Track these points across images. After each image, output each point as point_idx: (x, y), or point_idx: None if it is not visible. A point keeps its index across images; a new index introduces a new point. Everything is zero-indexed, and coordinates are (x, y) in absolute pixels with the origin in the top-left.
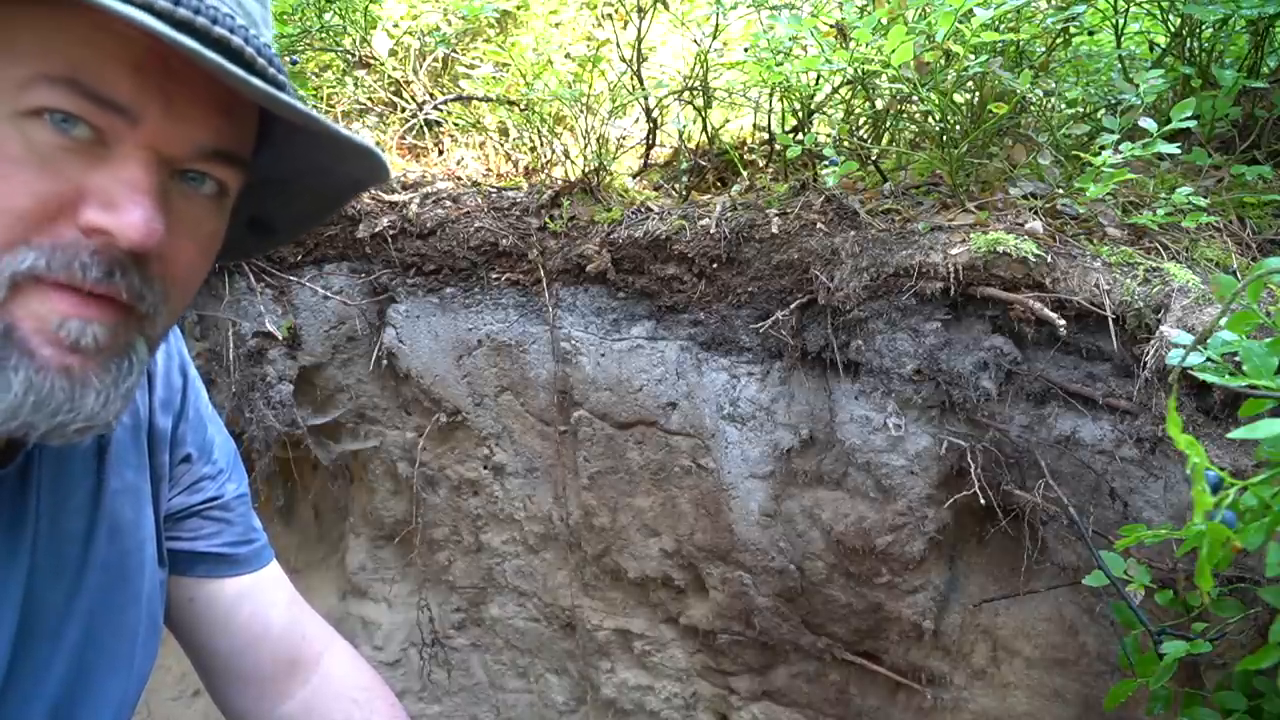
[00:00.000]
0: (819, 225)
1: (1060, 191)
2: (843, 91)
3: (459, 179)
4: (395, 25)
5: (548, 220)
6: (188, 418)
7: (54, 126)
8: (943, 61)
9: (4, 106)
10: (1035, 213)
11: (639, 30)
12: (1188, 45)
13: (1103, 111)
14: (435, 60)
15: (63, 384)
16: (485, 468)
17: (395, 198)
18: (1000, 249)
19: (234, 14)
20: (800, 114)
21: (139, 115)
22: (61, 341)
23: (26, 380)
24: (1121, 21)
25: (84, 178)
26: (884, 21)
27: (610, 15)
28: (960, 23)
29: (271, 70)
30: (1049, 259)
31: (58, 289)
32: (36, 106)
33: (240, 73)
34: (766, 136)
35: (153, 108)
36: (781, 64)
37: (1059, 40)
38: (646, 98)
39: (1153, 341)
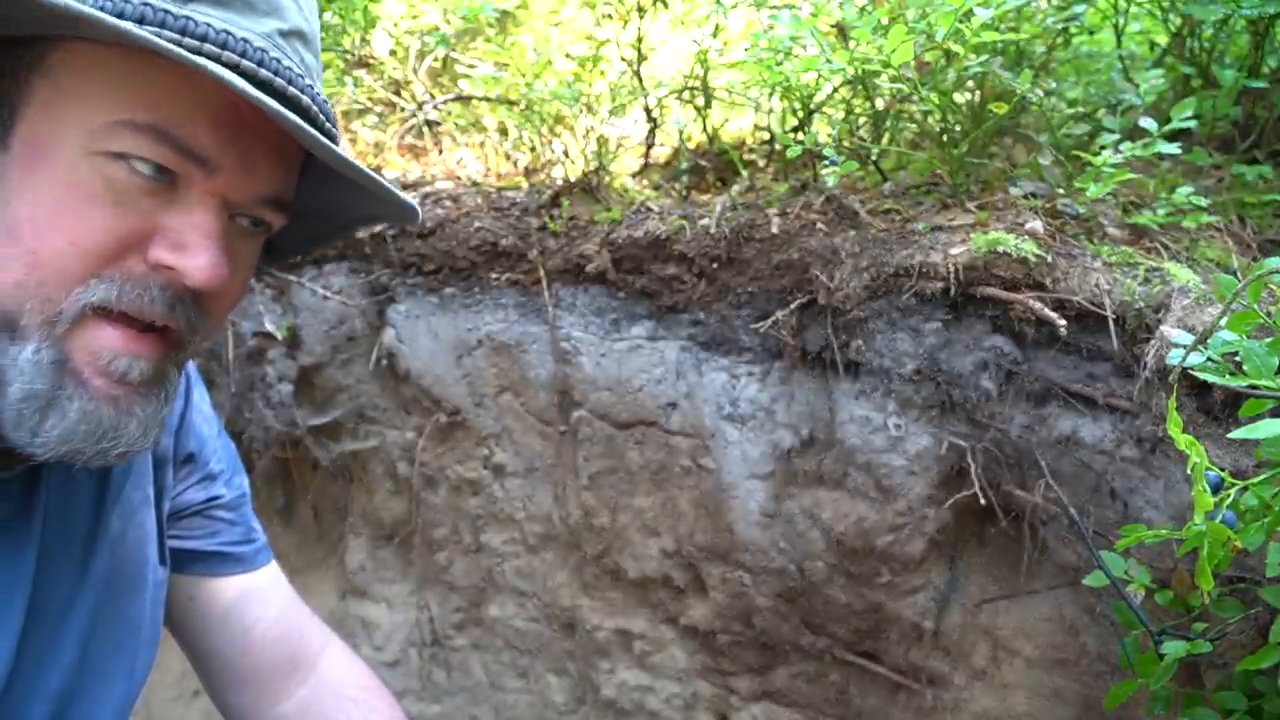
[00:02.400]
0: (819, 225)
1: (1060, 191)
2: (843, 91)
3: (459, 179)
4: (395, 25)
5: (548, 220)
6: (191, 418)
7: (132, 169)
8: (943, 61)
9: (82, 145)
10: (1035, 213)
11: (639, 30)
12: (1188, 45)
13: (1103, 111)
14: (435, 60)
15: (110, 413)
16: (485, 468)
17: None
18: (1000, 249)
19: (304, 74)
20: (800, 114)
21: (216, 165)
22: (111, 374)
23: (81, 410)
24: (1122, 21)
25: (156, 217)
26: (884, 21)
27: (610, 15)
28: (960, 23)
29: (329, 125)
30: (1049, 259)
31: (112, 323)
32: (120, 151)
33: (314, 132)
34: (766, 136)
35: (228, 159)
36: (781, 64)
37: (1059, 40)
38: (646, 97)
39: (1153, 341)
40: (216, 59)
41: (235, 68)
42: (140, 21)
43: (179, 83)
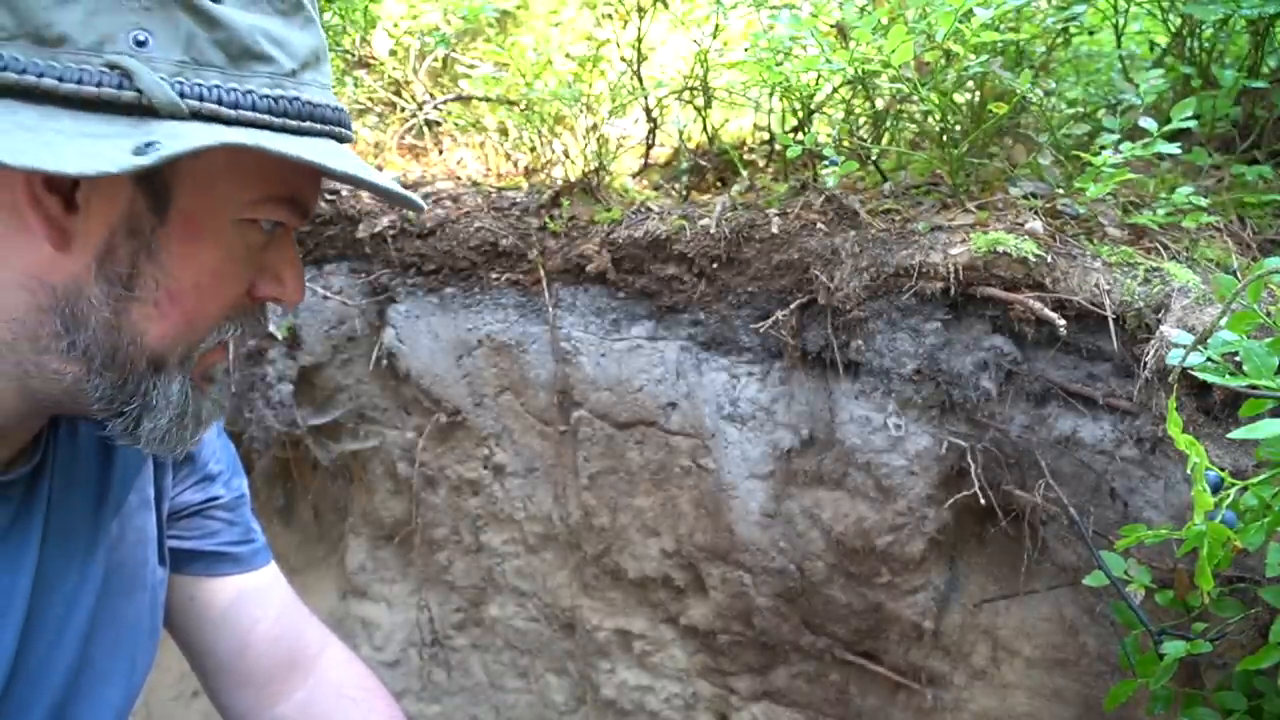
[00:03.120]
0: (819, 225)
1: (1060, 191)
2: (843, 91)
3: (459, 179)
4: (395, 25)
5: (548, 220)
6: None
7: (264, 230)
8: (943, 61)
9: (233, 214)
10: (1035, 213)
11: (639, 30)
12: (1188, 45)
13: (1103, 111)
14: (435, 60)
15: (201, 403)
16: (485, 468)
17: None
18: (1000, 249)
19: (340, 108)
20: (800, 114)
21: (306, 211)
22: (211, 379)
23: (207, 412)
24: (1121, 21)
25: (260, 258)
26: (884, 21)
27: (610, 15)
28: (960, 23)
29: (349, 135)
30: (1049, 259)
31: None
32: (265, 219)
33: (397, 189)
34: (766, 136)
35: (312, 205)
36: (781, 64)
37: (1059, 40)
38: (646, 97)
39: (1153, 341)
40: (321, 134)
41: (330, 135)
42: (270, 113)
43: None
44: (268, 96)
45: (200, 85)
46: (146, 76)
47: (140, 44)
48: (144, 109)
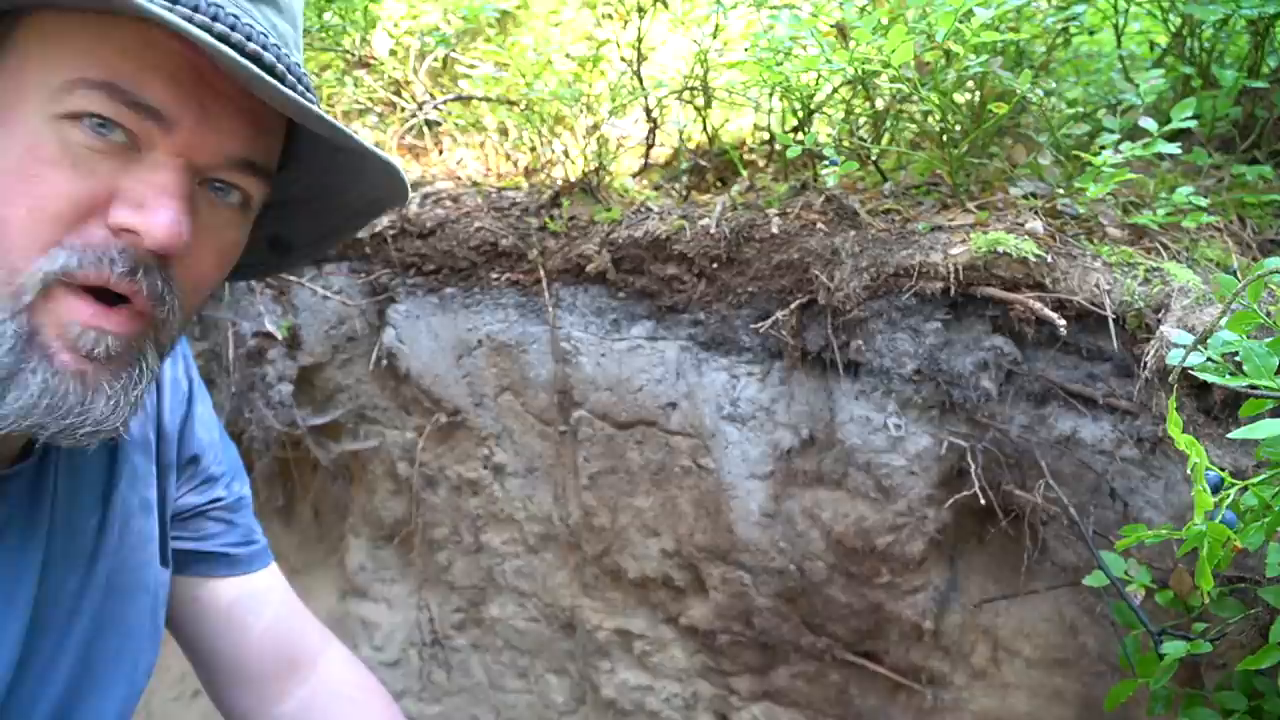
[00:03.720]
0: (819, 225)
1: (1060, 191)
2: (843, 91)
3: (459, 179)
4: (395, 25)
5: (548, 220)
6: (194, 420)
7: (90, 130)
8: (943, 61)
9: (42, 110)
10: (1035, 213)
11: (639, 30)
12: (1188, 45)
13: (1103, 111)
14: (435, 60)
15: (76, 388)
16: (485, 468)
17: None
18: (1000, 249)
19: (268, 33)
20: (800, 114)
21: (173, 122)
22: (78, 349)
23: (43, 382)
24: (1121, 21)
25: (115, 180)
26: (884, 21)
27: (610, 15)
28: (960, 23)
29: (300, 87)
30: (1049, 259)
31: (81, 295)
32: (74, 110)
33: (272, 81)
34: (766, 136)
35: (187, 115)
36: (781, 64)
37: (1059, 40)
38: (646, 97)
39: (1153, 341)
40: (167, 11)
41: (189, 20)
42: None
43: (134, 40)
44: None
45: None
46: None
47: None
48: None
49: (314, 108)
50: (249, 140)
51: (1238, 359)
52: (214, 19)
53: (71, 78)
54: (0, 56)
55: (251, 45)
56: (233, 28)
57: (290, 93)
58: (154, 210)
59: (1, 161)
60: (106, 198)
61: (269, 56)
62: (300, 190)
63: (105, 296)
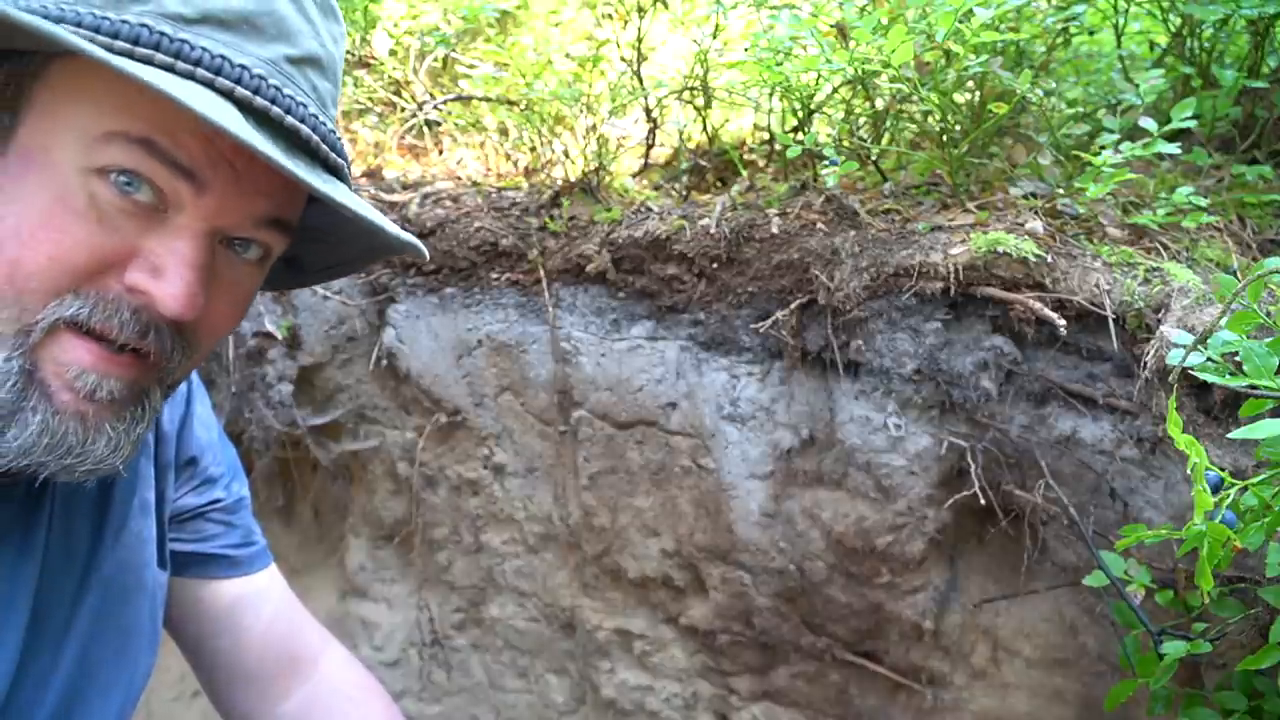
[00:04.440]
0: (819, 225)
1: (1060, 191)
2: (843, 91)
3: (459, 179)
4: (395, 25)
5: (548, 220)
6: (192, 421)
7: (118, 188)
8: (943, 61)
9: (75, 160)
10: (1035, 213)
11: (639, 30)
12: (1188, 45)
13: (1103, 111)
14: (435, 60)
15: (76, 429)
16: (485, 468)
17: (395, 197)
18: (1000, 249)
19: (308, 101)
20: (800, 114)
21: (206, 184)
22: (78, 390)
23: (43, 422)
24: (1121, 21)
25: (138, 239)
26: (884, 21)
27: (610, 15)
28: (960, 23)
29: (333, 156)
30: (1049, 259)
31: (86, 338)
32: (106, 165)
33: (298, 170)
34: (766, 136)
35: (219, 179)
36: (781, 64)
37: (1059, 40)
38: (646, 97)
39: (1153, 341)
40: (209, 84)
41: (229, 94)
42: (135, 42)
43: (174, 104)
44: (145, 26)
45: (80, 10)
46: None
47: None
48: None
49: (335, 191)
50: (276, 201)
51: (1238, 359)
52: (256, 92)
53: (110, 129)
54: (31, 95)
55: (290, 120)
56: (273, 101)
57: (314, 181)
58: (170, 279)
59: (29, 205)
60: (127, 255)
61: (305, 131)
62: (321, 222)
63: (108, 342)
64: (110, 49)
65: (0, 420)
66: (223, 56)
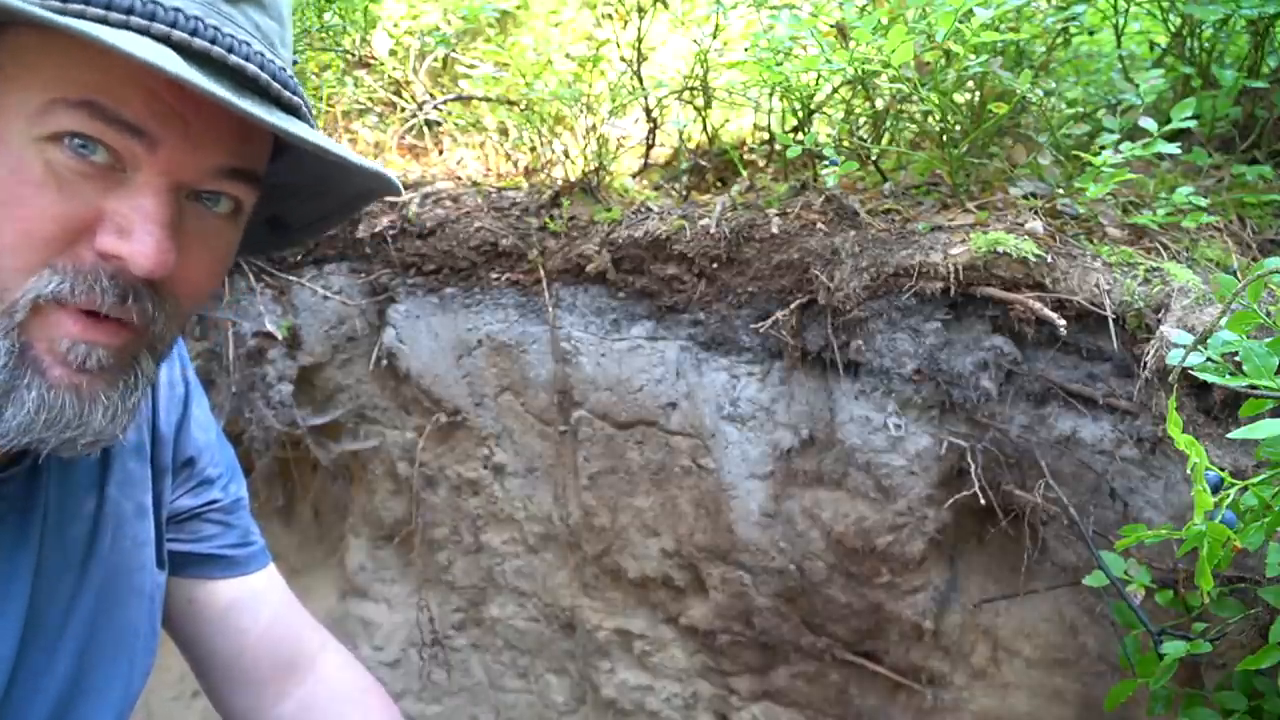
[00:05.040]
0: (819, 225)
1: (1060, 191)
2: (843, 91)
3: (459, 179)
4: (395, 25)
5: (548, 220)
6: (190, 422)
7: (73, 151)
8: (943, 61)
9: (25, 131)
10: (1035, 213)
11: (639, 30)
12: (1188, 45)
13: (1103, 111)
14: (435, 60)
15: (72, 401)
16: (485, 468)
17: (395, 198)
18: (1000, 249)
19: (251, 39)
20: (800, 114)
21: (157, 139)
22: (70, 363)
23: (39, 398)
24: (1121, 21)
25: (101, 201)
26: (884, 21)
27: (610, 15)
28: (960, 23)
29: (286, 94)
30: (1049, 259)
31: (70, 310)
32: (55, 131)
33: (249, 107)
34: (766, 136)
35: (170, 133)
36: (781, 64)
37: (1059, 40)
38: (646, 97)
39: (1153, 341)
40: (145, 32)
41: (165, 39)
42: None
43: (112, 57)
44: None
45: None
46: None
47: None
48: None
49: (292, 127)
50: (235, 150)
51: (1238, 359)
52: (193, 34)
53: (51, 97)
54: None
55: (234, 59)
56: (214, 40)
57: (268, 117)
58: (138, 237)
59: None
60: (93, 220)
61: (251, 68)
62: (295, 176)
63: (92, 310)
64: (41, 6)
65: None
66: (154, 1)
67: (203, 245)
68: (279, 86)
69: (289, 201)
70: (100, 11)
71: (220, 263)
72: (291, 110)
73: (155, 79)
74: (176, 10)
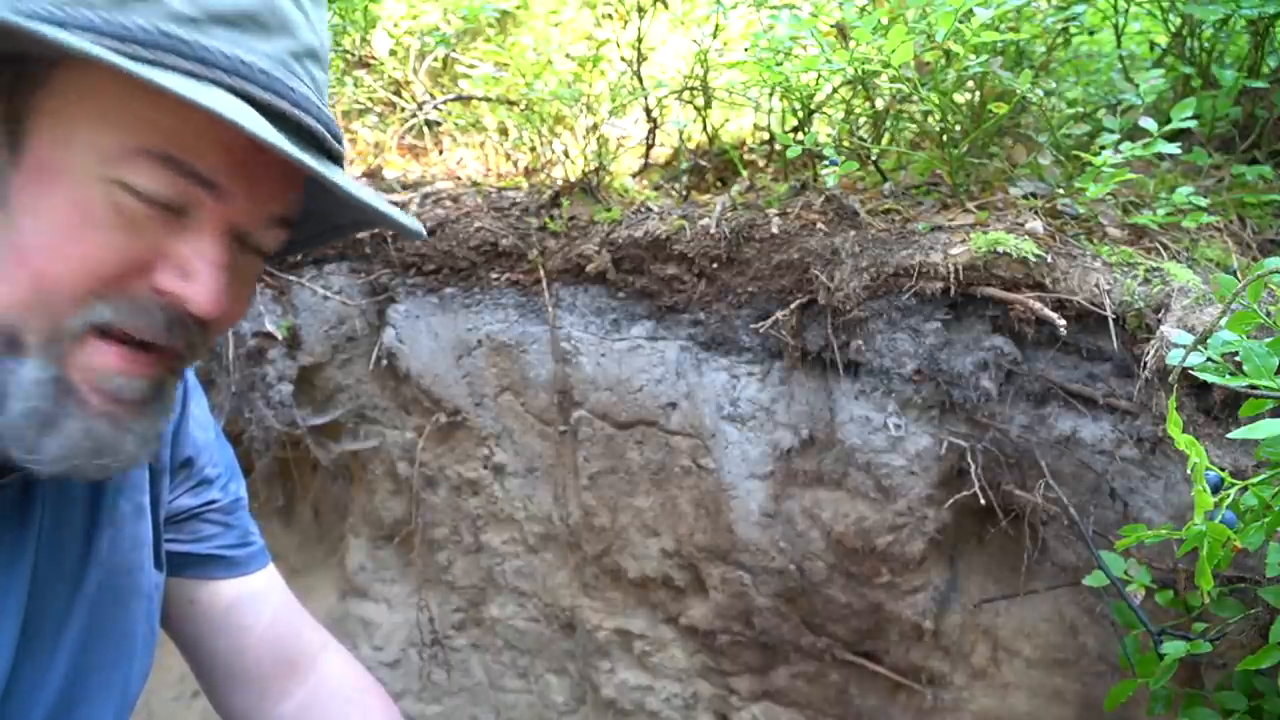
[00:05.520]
0: (819, 225)
1: (1060, 191)
2: (843, 91)
3: (459, 179)
4: (395, 25)
5: (548, 220)
6: (189, 422)
7: (141, 195)
8: (943, 61)
9: (93, 169)
10: (1035, 213)
11: (639, 30)
12: (1188, 45)
13: (1103, 111)
14: (435, 60)
15: (108, 430)
16: (485, 468)
17: (395, 197)
18: (1000, 249)
19: (309, 93)
20: (800, 114)
21: (225, 191)
22: (107, 393)
23: (82, 428)
24: (1121, 21)
25: (163, 243)
26: (884, 21)
27: (610, 15)
28: (960, 23)
29: (337, 146)
30: (1049, 259)
31: (110, 342)
32: (130, 178)
33: (319, 168)
34: (766, 136)
35: (239, 185)
36: (781, 64)
37: (1059, 40)
38: (646, 97)
39: (1153, 341)
40: (228, 88)
41: (246, 96)
42: (143, 45)
43: (192, 109)
44: (154, 27)
45: (69, 12)
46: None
47: None
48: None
49: (352, 190)
50: (286, 200)
51: (1238, 359)
52: (267, 89)
53: (129, 144)
54: (38, 102)
55: (307, 120)
56: (283, 97)
57: (331, 175)
58: (202, 281)
59: (52, 218)
60: (154, 259)
61: (315, 125)
62: (314, 204)
63: (132, 341)
64: (117, 53)
65: (38, 428)
66: (236, 56)
67: (241, 282)
68: (332, 140)
69: (304, 224)
70: (179, 61)
71: (251, 294)
72: (336, 158)
73: (231, 134)
74: (256, 68)
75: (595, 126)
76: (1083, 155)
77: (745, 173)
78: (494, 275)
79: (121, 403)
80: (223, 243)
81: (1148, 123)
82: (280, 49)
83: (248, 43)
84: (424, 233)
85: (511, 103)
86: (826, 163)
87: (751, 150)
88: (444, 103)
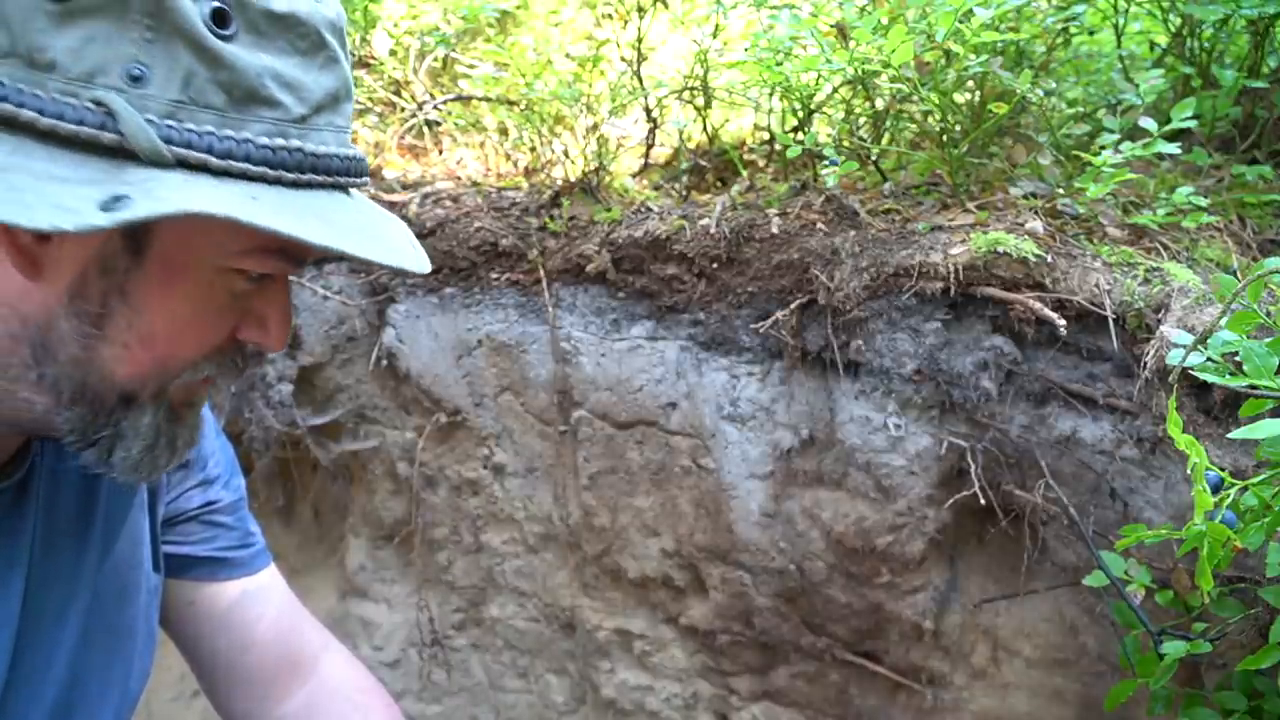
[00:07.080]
0: (819, 225)
1: (1060, 191)
2: (843, 91)
3: (459, 179)
4: (395, 25)
5: (548, 220)
6: None
7: (249, 276)
8: (943, 61)
9: (213, 261)
10: (1035, 213)
11: (639, 30)
12: (1188, 45)
13: (1103, 111)
14: (435, 60)
15: (182, 433)
16: (485, 468)
17: (395, 197)
18: (1000, 249)
19: (354, 153)
20: (800, 114)
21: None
22: (191, 405)
23: (191, 434)
24: (1121, 21)
25: (251, 304)
26: (884, 21)
27: (610, 15)
28: (960, 23)
29: (367, 185)
30: (1049, 259)
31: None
32: (248, 269)
33: (386, 261)
34: (766, 136)
35: (310, 251)
36: (781, 64)
37: (1059, 40)
38: (646, 97)
39: (1153, 341)
40: (329, 187)
41: (340, 186)
42: (262, 164)
43: None
44: (265, 147)
45: (191, 131)
46: (130, 120)
47: (135, 79)
48: (125, 152)
49: (384, 254)
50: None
51: (1238, 359)
52: (348, 174)
53: (252, 244)
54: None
55: (355, 181)
56: (347, 174)
57: (388, 260)
58: (276, 327)
59: (177, 309)
60: (242, 318)
61: (359, 181)
62: None
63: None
64: (229, 172)
65: (155, 454)
66: (328, 153)
67: None
68: (364, 182)
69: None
70: (292, 175)
71: None
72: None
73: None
74: (341, 158)
75: (595, 126)
76: (1083, 155)
77: (745, 173)
78: (494, 275)
79: (191, 407)
80: (288, 292)
81: (1148, 123)
82: (349, 108)
83: (334, 120)
84: (428, 268)
85: (511, 103)
86: (826, 163)
87: (751, 150)
88: (444, 103)
